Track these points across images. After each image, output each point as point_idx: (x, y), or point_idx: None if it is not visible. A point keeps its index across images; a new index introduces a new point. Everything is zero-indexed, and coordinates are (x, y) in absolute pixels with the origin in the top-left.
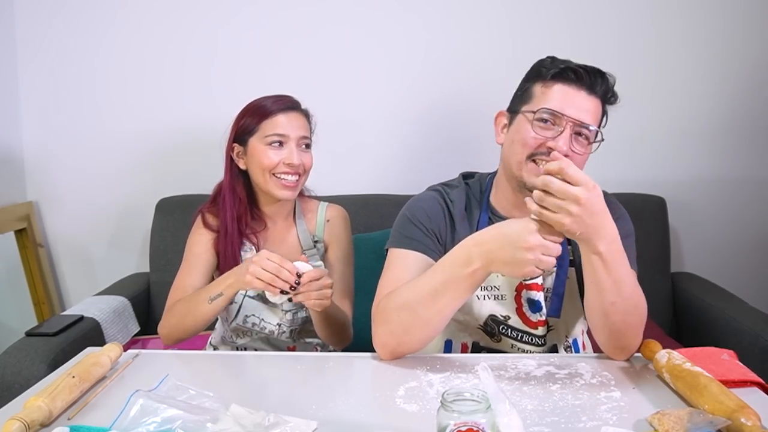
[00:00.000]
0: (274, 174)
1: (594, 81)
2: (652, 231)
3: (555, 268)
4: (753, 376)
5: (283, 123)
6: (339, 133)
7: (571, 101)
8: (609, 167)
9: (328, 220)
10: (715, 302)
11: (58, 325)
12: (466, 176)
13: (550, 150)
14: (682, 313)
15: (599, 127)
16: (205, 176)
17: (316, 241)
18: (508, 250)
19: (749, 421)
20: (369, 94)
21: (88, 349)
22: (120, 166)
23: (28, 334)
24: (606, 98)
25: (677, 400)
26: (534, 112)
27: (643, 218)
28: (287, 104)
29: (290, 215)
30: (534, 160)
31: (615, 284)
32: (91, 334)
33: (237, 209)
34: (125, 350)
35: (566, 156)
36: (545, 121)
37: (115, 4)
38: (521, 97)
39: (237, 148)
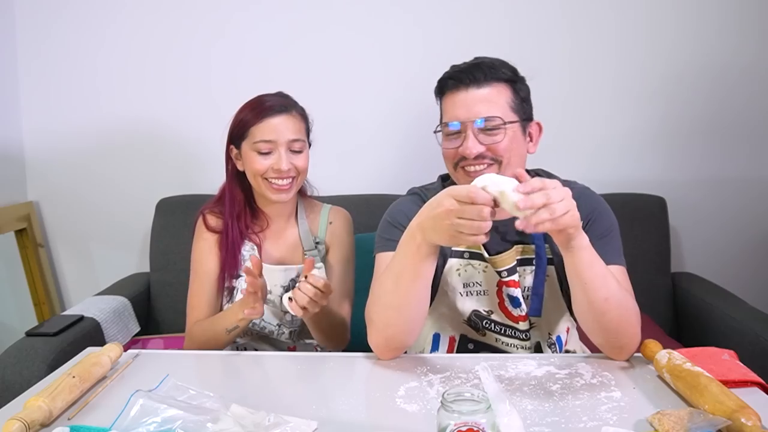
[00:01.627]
0: (265, 178)
1: (473, 74)
2: (652, 231)
3: (534, 268)
4: (753, 376)
5: (269, 129)
6: (340, 133)
7: (461, 104)
8: (609, 167)
9: (330, 222)
10: (715, 302)
11: (58, 325)
12: (444, 178)
13: (463, 156)
14: (682, 313)
15: (516, 106)
16: (206, 176)
17: (317, 243)
18: (430, 217)
19: (749, 421)
20: (369, 95)
21: (89, 349)
22: (120, 166)
23: (28, 334)
24: (503, 77)
25: (677, 400)
26: (439, 130)
27: (643, 218)
28: (275, 108)
29: (292, 215)
30: (463, 168)
31: (602, 279)
32: (91, 334)
33: (237, 209)
34: (125, 350)
35: (479, 154)
36: (451, 133)
37: (116, 4)
38: (440, 115)
39: (234, 150)
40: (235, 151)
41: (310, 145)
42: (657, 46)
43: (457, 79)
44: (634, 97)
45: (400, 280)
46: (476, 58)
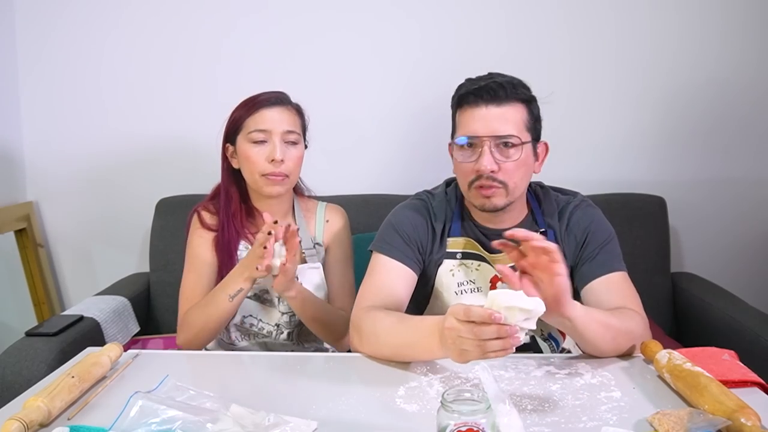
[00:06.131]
0: (262, 175)
1: (494, 92)
2: (652, 231)
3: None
4: (753, 377)
5: (265, 118)
6: (338, 133)
7: (480, 119)
8: (609, 167)
9: (327, 221)
10: (715, 302)
11: (58, 325)
12: (449, 182)
13: (478, 173)
14: (682, 313)
15: (530, 125)
16: (205, 176)
17: (315, 244)
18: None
19: (749, 421)
20: (368, 94)
21: (88, 349)
22: (120, 166)
23: (28, 334)
24: (521, 97)
25: (677, 400)
26: (453, 144)
27: (643, 218)
28: (270, 99)
29: (288, 214)
30: (477, 189)
31: (591, 336)
32: (91, 334)
33: (232, 207)
34: (125, 350)
35: (492, 171)
36: (467, 146)
37: (116, 5)
38: (452, 128)
39: (230, 148)
40: (231, 148)
41: (306, 145)
42: (657, 47)
43: (478, 95)
44: (635, 97)
45: (408, 349)
46: (491, 74)
